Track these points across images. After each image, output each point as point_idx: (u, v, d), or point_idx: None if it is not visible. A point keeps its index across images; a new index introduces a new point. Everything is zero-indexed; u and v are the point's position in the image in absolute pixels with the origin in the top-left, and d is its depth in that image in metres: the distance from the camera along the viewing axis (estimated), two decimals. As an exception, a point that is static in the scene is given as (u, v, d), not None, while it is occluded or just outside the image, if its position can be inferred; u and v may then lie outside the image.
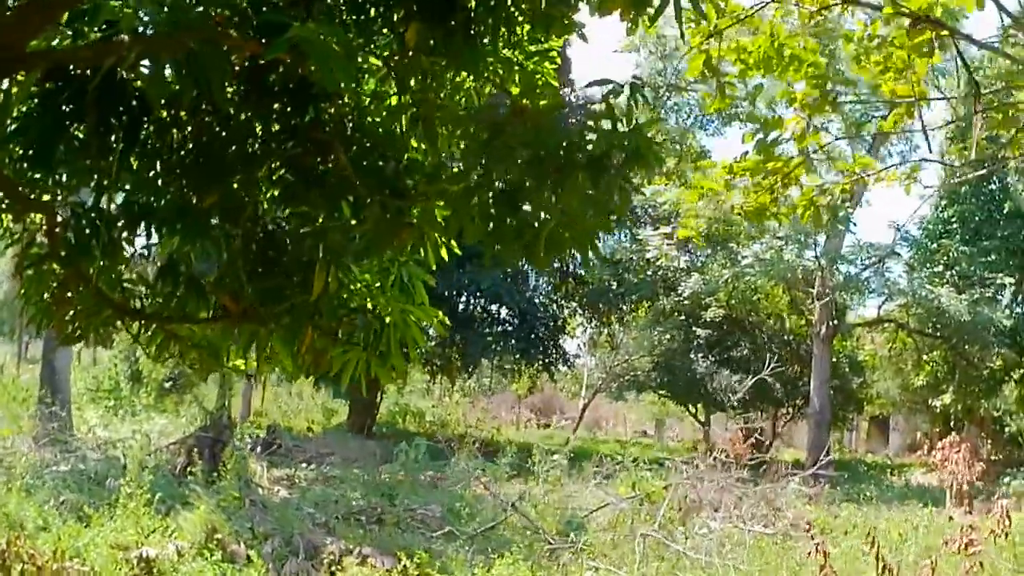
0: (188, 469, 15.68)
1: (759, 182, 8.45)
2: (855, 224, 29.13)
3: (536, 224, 5.12)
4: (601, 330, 41.38)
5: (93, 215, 5.48)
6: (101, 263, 5.73)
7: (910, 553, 12.03)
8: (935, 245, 29.62)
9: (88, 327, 6.19)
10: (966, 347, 29.70)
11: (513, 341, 34.87)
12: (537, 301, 35.27)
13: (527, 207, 5.10)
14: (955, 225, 29.58)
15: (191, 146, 5.71)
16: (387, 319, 6.25)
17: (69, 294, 5.95)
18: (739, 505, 14.43)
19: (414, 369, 42.45)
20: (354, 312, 6.31)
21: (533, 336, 35.54)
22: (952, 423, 33.39)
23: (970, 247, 28.76)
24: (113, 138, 5.26)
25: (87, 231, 5.54)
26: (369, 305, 6.39)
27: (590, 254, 5.32)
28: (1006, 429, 33.54)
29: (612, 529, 13.48)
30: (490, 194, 5.11)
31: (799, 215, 8.98)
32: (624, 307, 36.95)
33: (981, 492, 23.52)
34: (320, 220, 5.82)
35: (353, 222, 5.53)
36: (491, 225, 5.20)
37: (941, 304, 26.16)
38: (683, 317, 34.13)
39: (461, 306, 37.39)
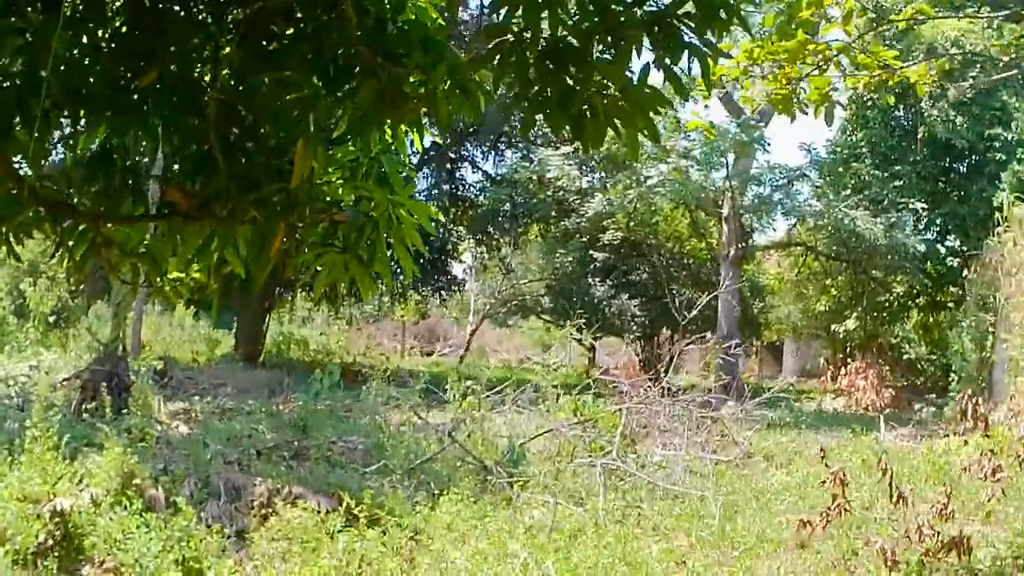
0: (84, 406, 14.31)
1: (781, 70, 7.45)
2: (769, 143, 28.46)
3: (586, 92, 4.12)
4: (491, 254, 40.17)
5: (20, 87, 4.29)
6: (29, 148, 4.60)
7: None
8: (840, 169, 29.23)
9: (4, 233, 5.01)
10: (876, 272, 29.53)
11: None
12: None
13: (575, 71, 4.10)
14: (864, 150, 29.20)
15: (124, 17, 4.59)
16: (373, 214, 5.15)
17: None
18: (681, 431, 13.64)
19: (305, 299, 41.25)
20: (334, 206, 5.18)
21: (423, 260, 34.30)
22: (848, 349, 33.30)
23: (881, 171, 28.44)
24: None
25: (12, 107, 4.36)
26: (351, 199, 5.30)
27: (644, 134, 4.31)
28: (904, 356, 33.61)
29: (555, 459, 12.56)
30: (530, 54, 4.09)
31: (812, 109, 8.03)
32: (516, 230, 35.98)
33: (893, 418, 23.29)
34: (286, 96, 4.75)
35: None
36: (532, 91, 4.17)
37: (856, 227, 25.69)
38: (583, 239, 33.09)
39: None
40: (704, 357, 40.82)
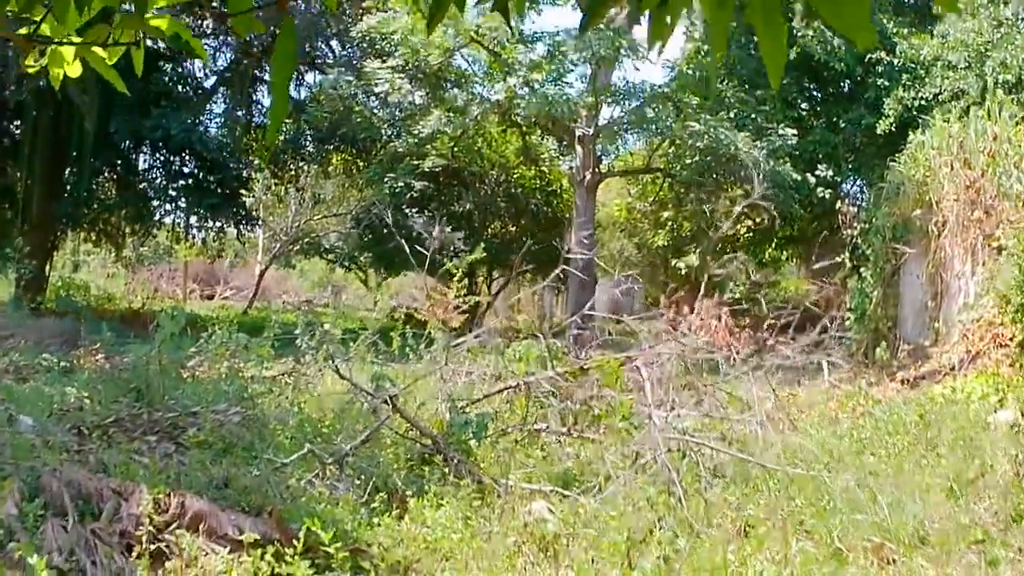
0: None
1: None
2: (644, 51, 25.03)
3: None
4: (284, 187, 36.19)
5: None
6: None
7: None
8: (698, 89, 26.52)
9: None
10: (742, 200, 27.09)
11: (200, 197, 29.47)
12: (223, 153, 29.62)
13: None
14: (722, 71, 26.56)
15: None
16: None
17: None
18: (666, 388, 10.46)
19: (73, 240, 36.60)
20: None
21: (221, 192, 30.15)
22: (678, 288, 31.27)
23: (745, 94, 26.03)
24: None
25: None
26: None
27: None
28: (726, 295, 31.76)
29: (521, 426, 9.20)
30: None
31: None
32: (320, 158, 32.28)
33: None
34: None
35: None
36: None
37: (737, 150, 22.84)
38: (416, 162, 28.82)
39: (143, 158, 31.75)
40: (514, 297, 38.01)
